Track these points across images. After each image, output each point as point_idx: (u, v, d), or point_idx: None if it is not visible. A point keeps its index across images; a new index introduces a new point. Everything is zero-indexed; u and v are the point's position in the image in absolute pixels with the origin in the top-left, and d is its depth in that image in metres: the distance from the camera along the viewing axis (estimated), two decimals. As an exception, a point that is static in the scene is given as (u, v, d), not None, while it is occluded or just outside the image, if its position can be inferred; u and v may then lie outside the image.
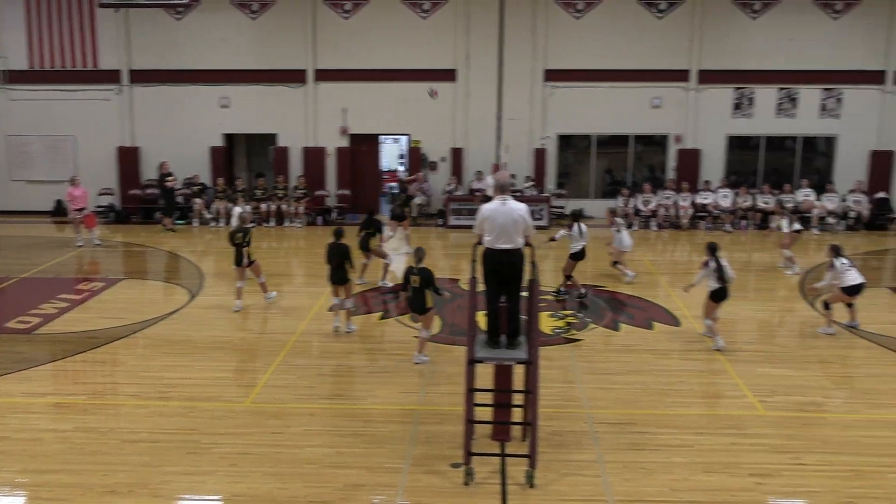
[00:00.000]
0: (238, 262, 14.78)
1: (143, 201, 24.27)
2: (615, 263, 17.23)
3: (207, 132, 24.36)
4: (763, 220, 22.82)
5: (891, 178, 23.60)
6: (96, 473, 8.82)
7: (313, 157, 24.41)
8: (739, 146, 24.34)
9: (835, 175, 23.82)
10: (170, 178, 22.76)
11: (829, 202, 22.94)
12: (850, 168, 23.74)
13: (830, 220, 22.72)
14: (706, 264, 12.97)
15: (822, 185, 23.48)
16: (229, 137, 25.19)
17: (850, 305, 13.65)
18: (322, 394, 11.11)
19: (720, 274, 12.78)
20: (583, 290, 15.73)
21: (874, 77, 23.46)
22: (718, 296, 12.89)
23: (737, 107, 24.02)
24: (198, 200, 23.40)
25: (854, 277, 13.32)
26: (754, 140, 24.28)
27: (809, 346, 12.89)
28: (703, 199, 23.17)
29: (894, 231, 22.37)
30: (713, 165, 24.11)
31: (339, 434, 9.80)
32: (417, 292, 12.00)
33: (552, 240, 16.75)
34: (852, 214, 22.81)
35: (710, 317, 13.10)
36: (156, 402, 10.80)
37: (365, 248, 16.29)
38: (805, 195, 22.98)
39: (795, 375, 11.73)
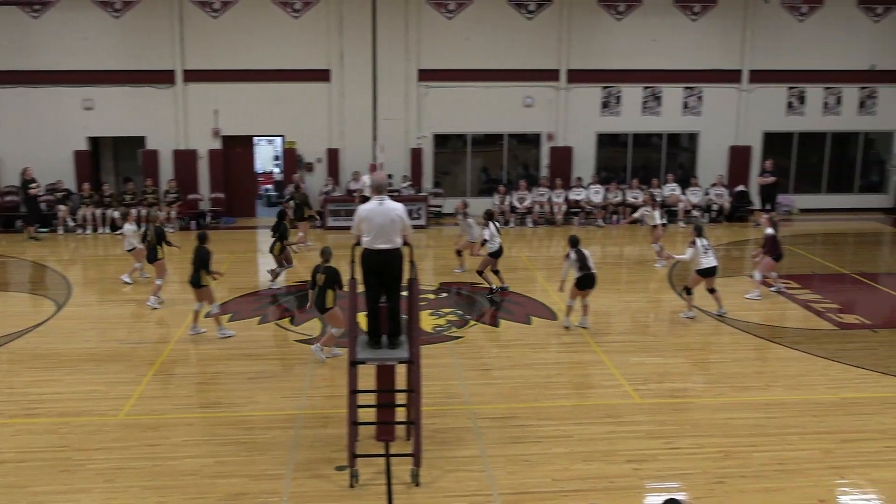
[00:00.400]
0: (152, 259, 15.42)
1: (3, 209, 23.03)
2: (459, 252, 17.72)
3: (71, 136, 23.33)
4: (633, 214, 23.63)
5: (749, 172, 24.87)
6: (-42, 498, 8.34)
7: (185, 159, 23.74)
8: (609, 143, 25.15)
9: (698, 170, 24.94)
10: (33, 185, 21.64)
11: (694, 196, 23.98)
12: (711, 163, 24.91)
13: (695, 213, 23.74)
14: (567, 256, 13.67)
15: (686, 179, 24.53)
16: (95, 141, 24.21)
17: (712, 292, 14.32)
18: (201, 402, 10.84)
19: (582, 263, 13.51)
20: (494, 287, 15.91)
21: (732, 76, 24.68)
22: (583, 283, 13.62)
23: (605, 105, 24.79)
24: (62, 207, 22.38)
25: (709, 261, 14.13)
26: (622, 137, 25.13)
27: (679, 334, 13.46)
28: (576, 195, 23.84)
29: (753, 222, 23.55)
30: (584, 162, 24.82)
31: (219, 443, 9.58)
32: (321, 291, 11.82)
33: (484, 242, 16.15)
34: (715, 207, 23.91)
35: (573, 297, 13.85)
36: (22, 419, 10.28)
37: (273, 251, 16.56)
38: (671, 190, 23.95)
39: (667, 363, 12.22)
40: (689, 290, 14.39)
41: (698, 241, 14.17)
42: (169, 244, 15.61)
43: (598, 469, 8.92)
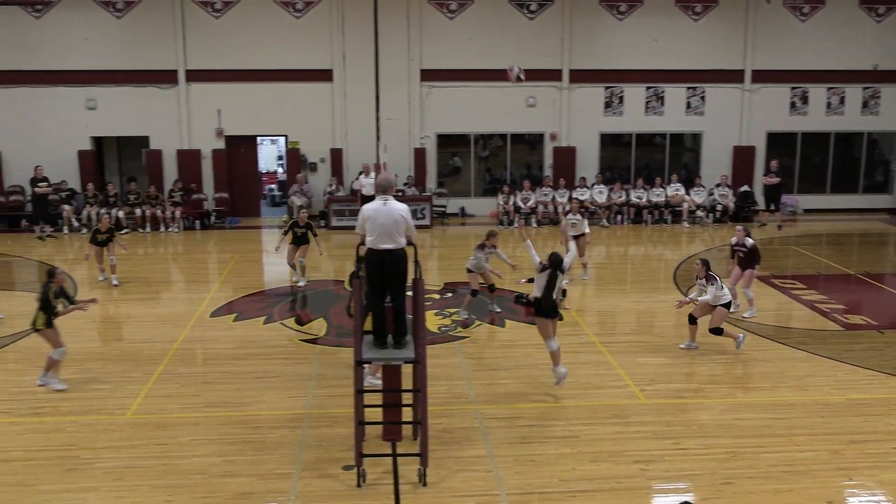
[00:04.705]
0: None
1: (8, 209, 23.04)
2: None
3: (74, 136, 23.35)
4: (637, 215, 23.68)
5: (753, 171, 24.87)
6: (-34, 498, 8.35)
7: (188, 159, 23.75)
8: (612, 143, 25.15)
9: (701, 170, 24.92)
10: (42, 183, 21.68)
11: (698, 196, 23.97)
12: (715, 163, 24.90)
13: (699, 213, 23.73)
14: (541, 268, 11.08)
15: (690, 179, 24.52)
16: (98, 141, 24.23)
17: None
18: (208, 401, 10.83)
19: (547, 284, 10.88)
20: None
21: (734, 76, 24.68)
22: (538, 307, 11.13)
23: (608, 105, 24.80)
24: (67, 207, 22.39)
25: (728, 292, 12.60)
26: (626, 137, 25.13)
27: (685, 334, 13.43)
28: (580, 195, 23.82)
29: (758, 222, 23.57)
30: (588, 162, 24.82)
31: (227, 442, 9.59)
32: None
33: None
34: (719, 207, 23.90)
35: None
36: (29, 418, 10.29)
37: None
38: (675, 190, 23.95)
39: (673, 363, 12.21)
40: (694, 319, 12.66)
41: (716, 277, 12.47)
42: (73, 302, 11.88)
43: (605, 469, 8.91)
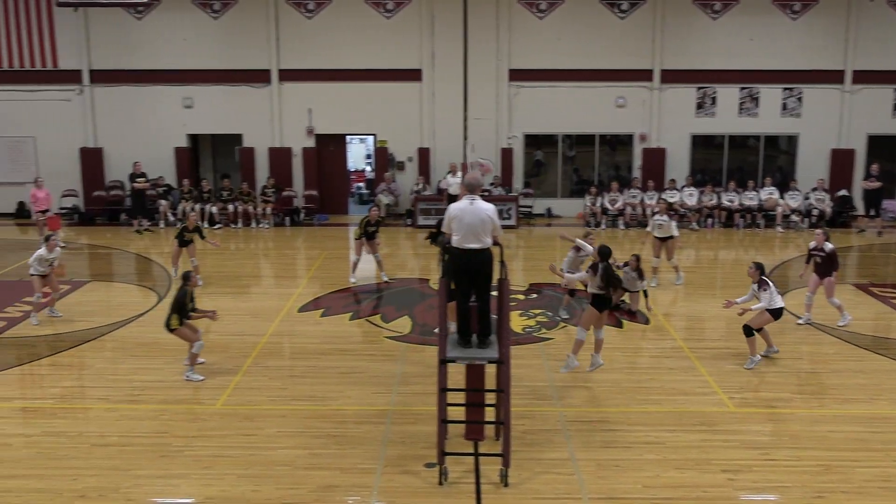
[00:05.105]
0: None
1: (108, 203, 23.95)
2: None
3: (172, 133, 24.11)
4: (728, 218, 23.14)
5: (852, 176, 24.00)
6: (65, 478, 8.69)
7: (279, 157, 24.26)
8: (703, 145, 24.63)
9: (797, 173, 24.19)
10: (140, 179, 22.51)
11: (793, 200, 23.27)
12: (811, 166, 24.12)
13: (794, 217, 23.04)
14: (591, 268, 11.31)
15: (785, 183, 23.83)
16: (194, 138, 24.96)
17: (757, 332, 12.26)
18: (294, 395, 11.04)
19: (605, 281, 11.10)
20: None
21: (834, 76, 23.86)
22: (600, 303, 11.29)
23: (699, 106, 24.30)
24: (163, 202, 23.14)
25: (780, 299, 12.18)
26: (718, 139, 24.58)
27: (777, 342, 13.06)
28: (670, 197, 23.39)
29: (856, 228, 22.75)
30: (678, 164, 24.37)
31: (312, 435, 9.75)
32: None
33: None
34: (815, 212, 23.15)
35: (584, 327, 11.57)
36: (125, 405, 10.67)
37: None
38: (769, 193, 23.31)
39: (764, 371, 11.88)
40: (752, 331, 12.08)
41: (769, 281, 12.04)
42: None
43: (690, 478, 8.73)
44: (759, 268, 12.13)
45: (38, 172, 22.92)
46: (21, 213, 24.00)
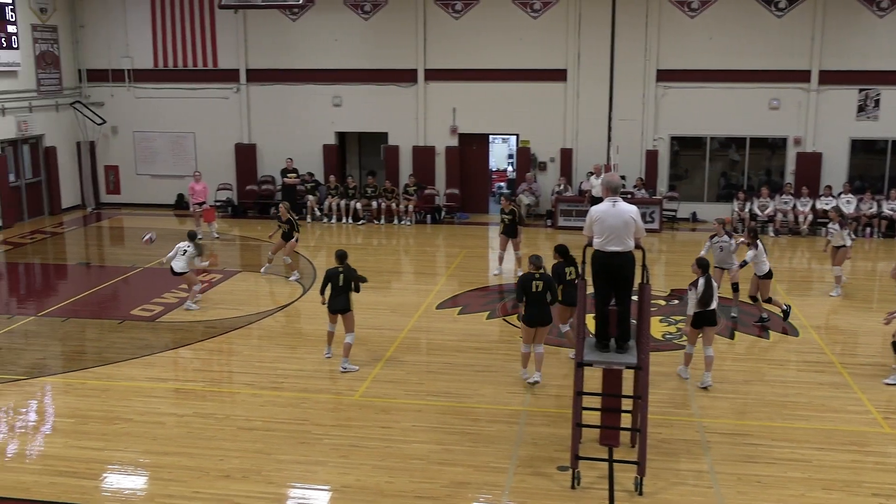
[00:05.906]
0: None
1: (260, 196, 24.97)
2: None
3: (320, 130, 24.87)
4: (889, 228, 21.81)
5: None
6: (213, 458, 9.14)
7: (423, 155, 24.62)
8: (864, 150, 23.30)
9: (971, 182, 22.54)
10: (291, 174, 23.41)
11: (963, 210, 21.70)
12: None
13: (964, 229, 21.48)
14: (693, 285, 11.08)
15: (954, 192, 22.24)
16: (341, 136, 25.67)
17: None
18: (430, 390, 11.19)
19: (705, 296, 10.91)
20: (765, 315, 14.05)
21: None
22: (699, 320, 11.10)
23: (861, 109, 23.01)
24: (311, 197, 23.92)
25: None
26: (880, 144, 23.21)
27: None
28: (825, 204, 22.25)
29: None
30: (835, 169, 23.14)
31: (446, 431, 9.86)
32: (541, 296, 11.32)
33: (743, 264, 13.94)
34: None
35: (691, 342, 11.47)
36: (269, 391, 11.11)
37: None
38: (934, 203, 21.82)
39: (923, 391, 11.16)
40: (755, 298, 13.49)
41: (760, 243, 13.39)
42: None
43: (838, 499, 8.30)
44: (753, 232, 12.26)
45: (197, 166, 24.18)
46: (180, 205, 25.36)
